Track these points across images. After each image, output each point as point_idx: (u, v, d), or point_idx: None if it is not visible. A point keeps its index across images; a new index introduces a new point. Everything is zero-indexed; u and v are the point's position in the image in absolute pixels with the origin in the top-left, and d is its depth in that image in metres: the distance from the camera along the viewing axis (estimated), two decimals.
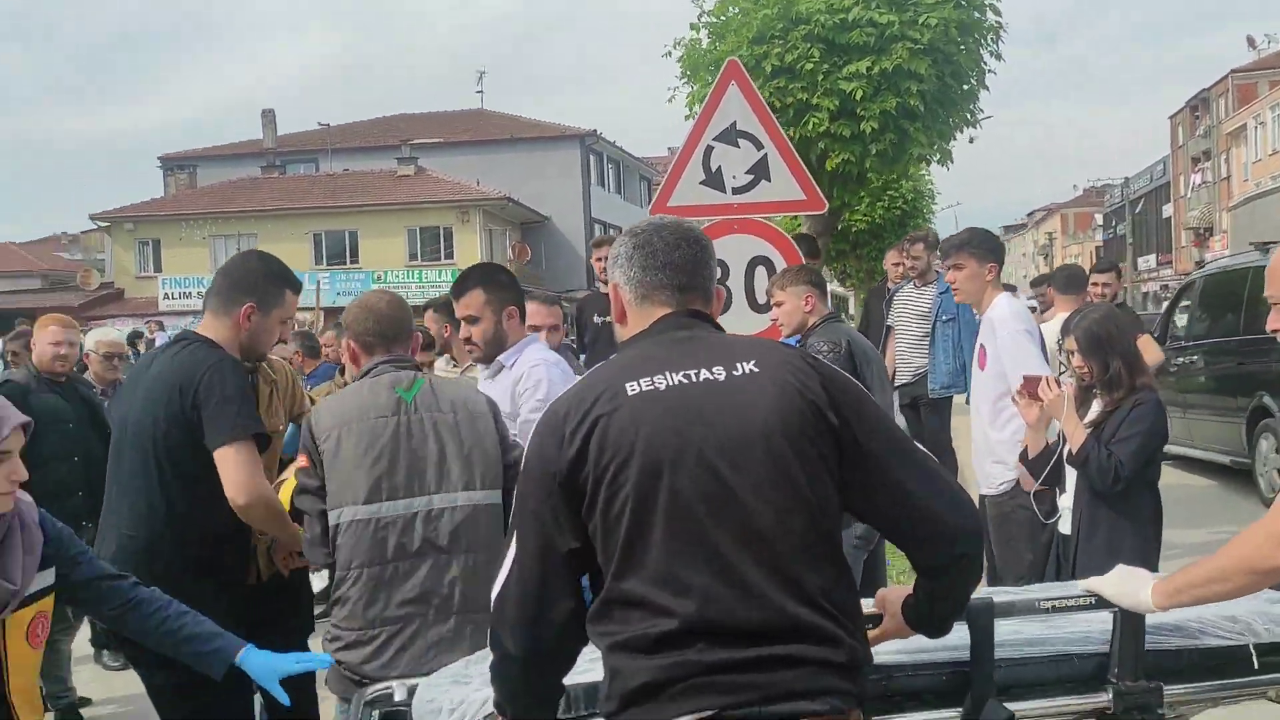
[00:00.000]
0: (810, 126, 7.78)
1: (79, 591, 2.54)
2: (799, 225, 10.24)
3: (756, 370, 1.90)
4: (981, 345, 4.61)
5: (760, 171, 5.64)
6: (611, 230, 45.27)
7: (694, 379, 1.88)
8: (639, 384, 1.87)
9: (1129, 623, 2.23)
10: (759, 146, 5.64)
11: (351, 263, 37.81)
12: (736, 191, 5.64)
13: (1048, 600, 2.30)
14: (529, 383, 3.50)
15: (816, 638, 1.79)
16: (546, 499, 1.88)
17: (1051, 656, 2.26)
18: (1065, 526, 3.94)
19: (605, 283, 7.10)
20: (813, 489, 1.84)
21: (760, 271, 5.63)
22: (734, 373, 1.89)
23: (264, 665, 2.59)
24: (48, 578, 2.43)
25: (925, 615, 2.00)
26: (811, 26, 7.72)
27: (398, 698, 2.40)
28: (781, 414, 1.85)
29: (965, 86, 8.34)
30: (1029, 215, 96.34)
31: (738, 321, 5.39)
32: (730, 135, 5.66)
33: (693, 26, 8.39)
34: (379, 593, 2.78)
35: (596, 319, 7.34)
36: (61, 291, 40.08)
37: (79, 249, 50.60)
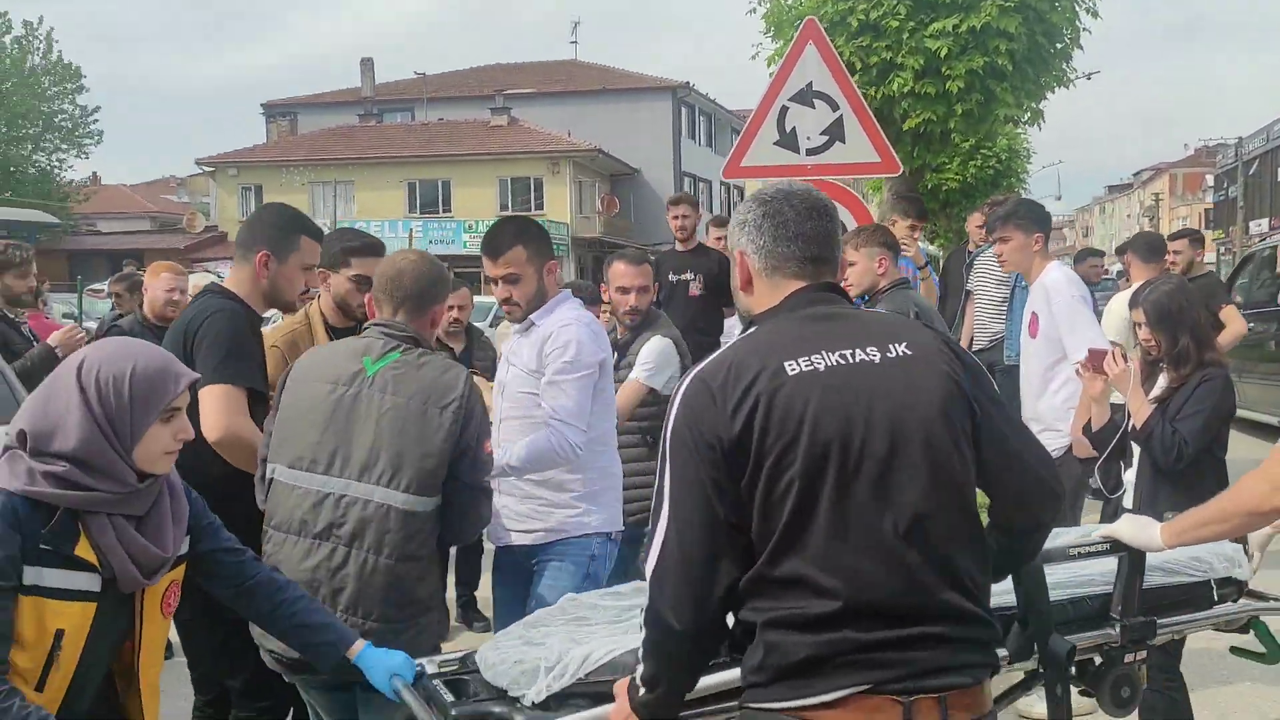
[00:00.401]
0: (894, 85, 7.68)
1: (204, 563, 2.41)
2: (879, 187, 10.13)
3: (909, 353, 1.94)
4: (1033, 313, 4.60)
5: (835, 133, 5.65)
6: (701, 184, 45.24)
7: (850, 359, 1.90)
8: (798, 363, 1.88)
9: (1134, 565, 2.48)
10: (834, 107, 5.64)
11: (444, 211, 38.38)
12: (810, 153, 5.66)
13: (1075, 548, 2.51)
14: (558, 343, 3.32)
15: (963, 619, 1.87)
16: (709, 469, 1.86)
17: (1070, 598, 2.51)
18: (1129, 501, 3.91)
19: (681, 241, 7.27)
20: (963, 471, 1.91)
21: None
22: (888, 354, 1.92)
23: (378, 663, 2.42)
24: (183, 545, 2.32)
25: (996, 568, 2.06)
26: None
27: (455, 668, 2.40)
28: (936, 399, 1.91)
29: (1059, 45, 8.12)
30: (1135, 175, 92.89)
31: None
32: (806, 96, 5.66)
33: None
34: (280, 559, 2.69)
35: (671, 277, 7.41)
36: (168, 234, 41.52)
37: (186, 192, 52.25)
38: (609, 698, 2.05)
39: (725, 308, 7.19)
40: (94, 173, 49.66)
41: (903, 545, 1.84)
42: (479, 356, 5.41)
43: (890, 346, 1.93)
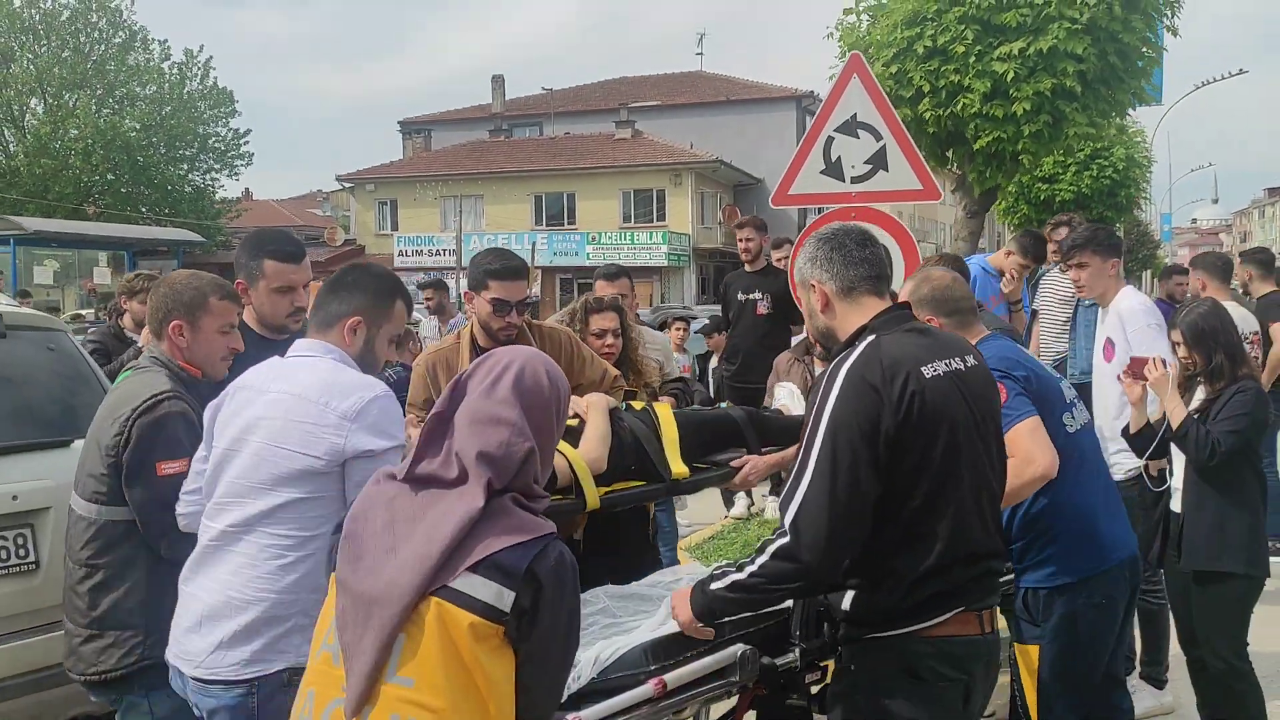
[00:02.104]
0: (961, 107, 7.83)
1: None
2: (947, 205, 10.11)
3: (976, 364, 2.63)
4: (1108, 338, 4.74)
5: (878, 161, 5.87)
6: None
7: (952, 366, 2.53)
8: (928, 370, 2.48)
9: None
10: (878, 138, 5.87)
11: (569, 224, 39.29)
12: (855, 180, 5.90)
13: None
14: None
15: (1002, 557, 2.67)
16: (873, 449, 2.39)
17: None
18: (1176, 505, 4.17)
19: (748, 261, 7.57)
20: (1003, 454, 2.68)
21: None
22: (968, 364, 2.60)
23: None
24: None
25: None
26: (967, 8, 7.73)
27: None
28: (997, 400, 2.70)
29: (1139, 63, 8.12)
30: None
31: None
32: (851, 126, 5.91)
33: (847, 12, 8.54)
34: None
35: (740, 296, 7.72)
36: (311, 247, 43.49)
37: (330, 207, 54.82)
38: (619, 691, 2.49)
39: (793, 325, 7.47)
40: (246, 189, 52.64)
41: (985, 510, 2.55)
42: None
43: (967, 358, 2.61)
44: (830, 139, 5.93)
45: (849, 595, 2.53)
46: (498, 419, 2.01)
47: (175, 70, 37.35)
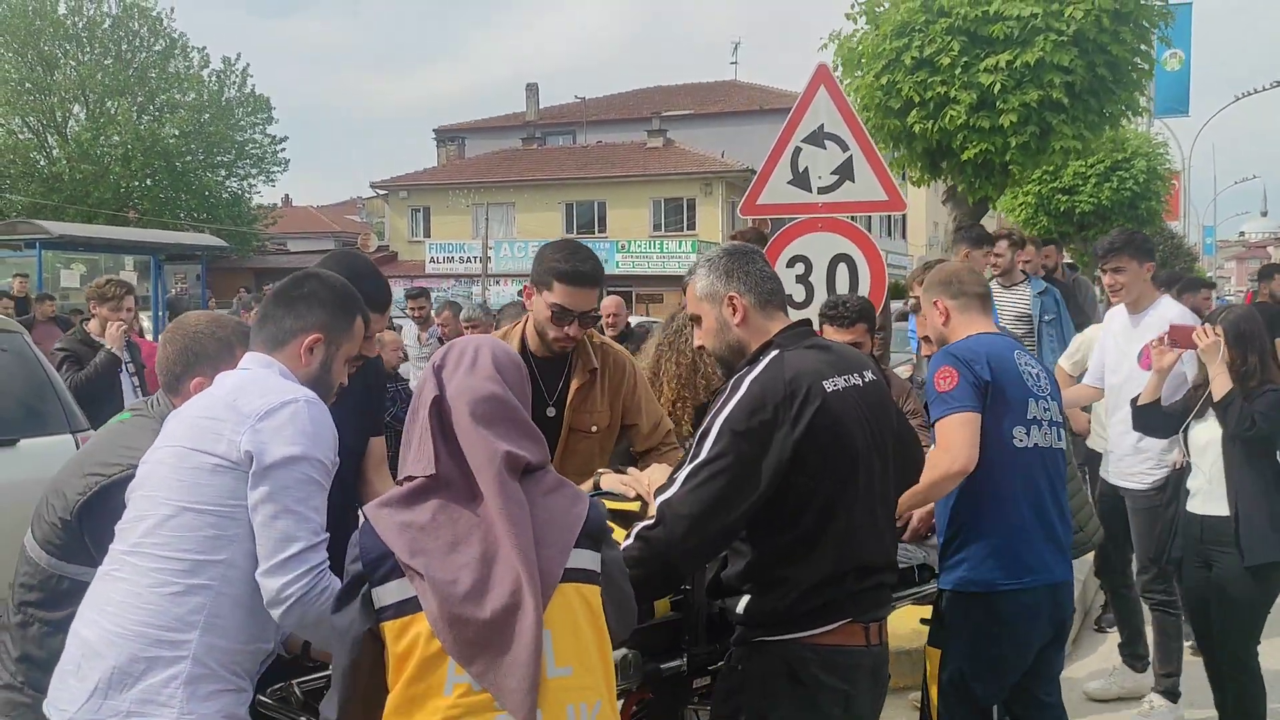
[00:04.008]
0: (948, 119, 7.81)
1: None
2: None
3: (873, 378, 2.67)
4: (1146, 345, 4.70)
5: (845, 172, 5.87)
6: None
7: (851, 381, 2.59)
8: (829, 384, 2.53)
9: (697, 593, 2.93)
10: (845, 148, 5.87)
11: (599, 232, 39.45)
12: (821, 191, 5.90)
13: None
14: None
15: (894, 570, 2.75)
16: (767, 457, 2.44)
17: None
18: (1195, 506, 4.30)
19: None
20: (898, 468, 2.71)
21: (842, 268, 5.87)
22: (866, 378, 2.64)
23: None
24: None
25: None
26: (953, 19, 7.71)
27: None
28: (892, 413, 2.73)
29: (1133, 74, 8.05)
30: None
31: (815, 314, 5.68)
32: (818, 137, 5.91)
33: (848, 16, 8.53)
34: None
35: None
36: None
37: (366, 213, 55.43)
38: None
39: None
40: (286, 195, 53.39)
41: (882, 522, 2.63)
42: None
43: (865, 374, 2.65)
44: (798, 149, 5.94)
45: (744, 599, 2.58)
46: (528, 424, 2.05)
47: (214, 78, 38.00)
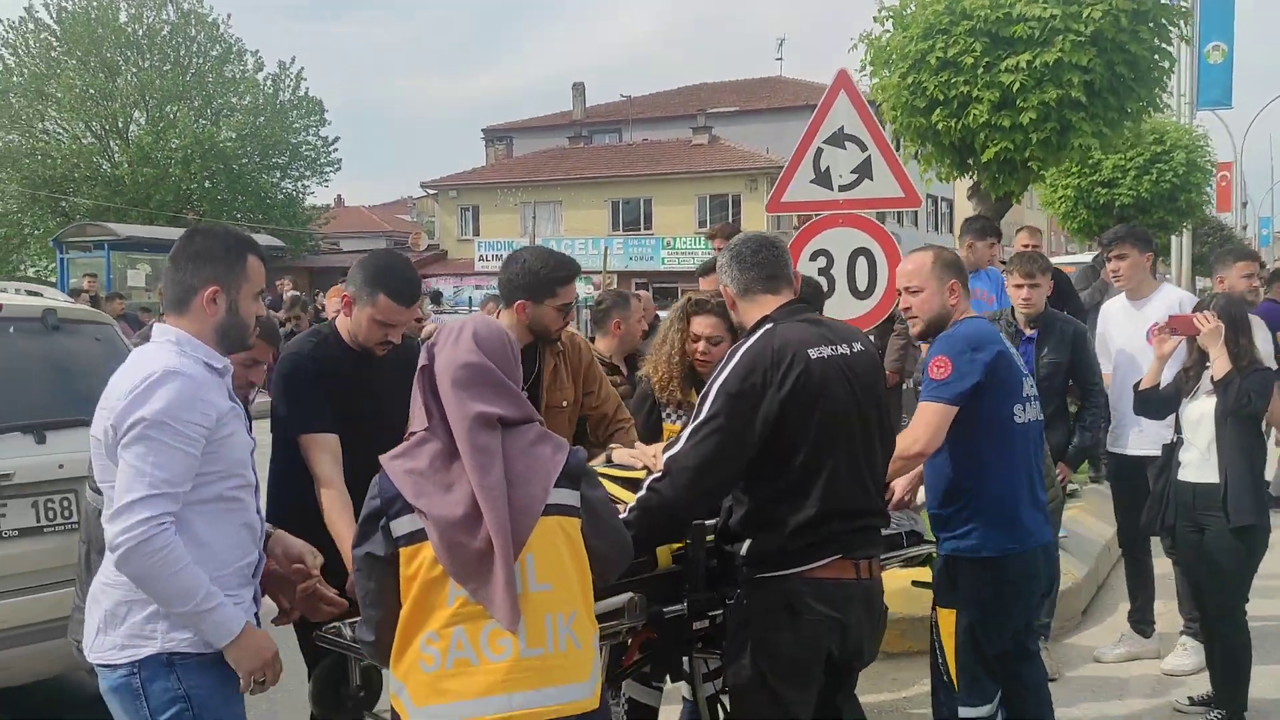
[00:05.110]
0: (971, 117, 8.09)
1: None
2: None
3: (862, 349, 3.09)
4: (1155, 323, 5.08)
5: (864, 171, 6.24)
6: None
7: (839, 350, 2.98)
8: (814, 352, 2.92)
9: (695, 544, 3.23)
10: (863, 149, 6.24)
11: (645, 229, 39.86)
12: (842, 189, 6.28)
13: None
14: None
15: (881, 515, 3.15)
16: (758, 416, 2.86)
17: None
18: (1188, 475, 4.67)
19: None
20: (888, 430, 3.14)
21: (861, 262, 6.25)
22: (855, 348, 3.04)
23: None
24: None
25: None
26: (975, 21, 7.99)
27: None
28: (881, 381, 3.15)
29: (1153, 72, 8.27)
30: None
31: (841, 306, 6.05)
32: (838, 138, 6.29)
33: (876, 20, 8.84)
34: None
35: None
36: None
37: (417, 213, 56.30)
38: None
39: None
40: (339, 195, 54.41)
41: (867, 474, 3.02)
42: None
43: (854, 344, 3.06)
44: (819, 150, 6.31)
45: (746, 543, 3.01)
46: (504, 385, 2.43)
47: (268, 81, 38.95)
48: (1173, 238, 18.89)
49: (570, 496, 2.42)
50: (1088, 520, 7.65)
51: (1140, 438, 5.37)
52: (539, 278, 3.73)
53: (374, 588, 2.41)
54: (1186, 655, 5.30)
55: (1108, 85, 7.97)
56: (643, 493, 2.94)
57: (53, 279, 23.47)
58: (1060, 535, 6.61)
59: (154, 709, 2.52)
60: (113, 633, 2.56)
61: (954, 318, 3.66)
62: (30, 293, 8.54)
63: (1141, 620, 5.63)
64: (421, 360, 2.50)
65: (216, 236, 2.74)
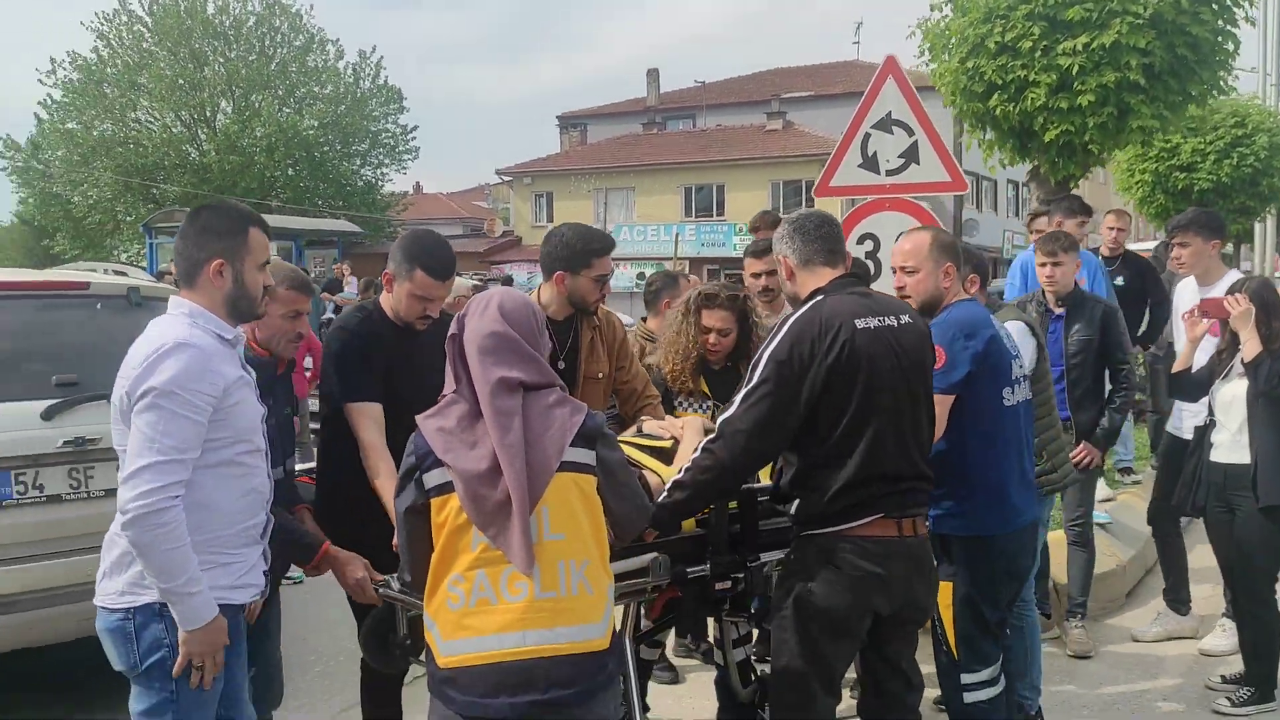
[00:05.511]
0: (1029, 101, 8.11)
1: None
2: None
3: (910, 321, 3.25)
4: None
5: (911, 155, 6.34)
6: (985, 183, 44.07)
7: (885, 321, 3.14)
8: (860, 322, 3.09)
9: (719, 511, 3.38)
10: (910, 134, 6.33)
11: (718, 215, 39.88)
12: (889, 173, 6.38)
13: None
14: None
15: (926, 479, 3.25)
16: (805, 383, 3.05)
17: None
18: (1219, 456, 4.77)
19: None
20: (930, 399, 3.30)
21: None
22: (902, 320, 3.20)
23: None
24: None
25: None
26: (1033, 5, 8.00)
27: None
28: (929, 350, 3.31)
29: (1217, 55, 8.19)
30: None
31: (886, 289, 6.14)
32: (886, 124, 6.39)
33: (933, 7, 8.88)
34: None
35: None
36: (472, 238, 45.68)
37: (492, 199, 57.02)
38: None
39: None
40: (417, 183, 55.32)
41: (911, 441, 3.17)
42: None
43: (901, 316, 3.23)
44: (867, 135, 6.42)
45: (795, 503, 3.22)
46: (526, 352, 2.65)
47: (349, 70, 39.77)
48: (1255, 224, 18.40)
49: (586, 455, 2.62)
50: (1140, 505, 7.65)
51: (1195, 422, 5.38)
52: (575, 250, 3.99)
53: (408, 537, 2.70)
54: (1225, 636, 5.35)
55: (1168, 68, 7.95)
56: (698, 454, 3.14)
57: (144, 263, 24.41)
58: (1103, 521, 6.66)
59: (143, 652, 2.75)
60: (116, 578, 2.79)
61: (946, 300, 3.76)
62: (117, 273, 9.02)
63: (1176, 599, 5.68)
64: (452, 329, 2.74)
65: (220, 212, 2.93)
